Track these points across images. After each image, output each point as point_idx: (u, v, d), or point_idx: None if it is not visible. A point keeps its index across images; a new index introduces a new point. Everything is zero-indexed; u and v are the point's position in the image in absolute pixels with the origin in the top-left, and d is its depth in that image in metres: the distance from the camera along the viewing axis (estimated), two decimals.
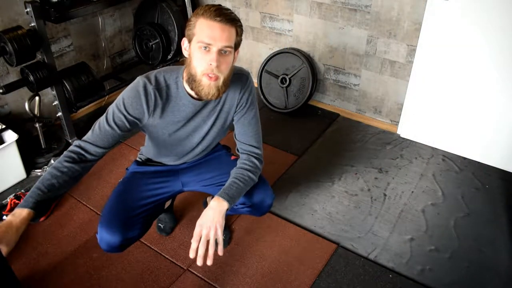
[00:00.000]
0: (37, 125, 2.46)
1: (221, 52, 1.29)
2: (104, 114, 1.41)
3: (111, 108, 1.40)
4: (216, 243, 1.36)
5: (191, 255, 1.32)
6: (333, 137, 2.78)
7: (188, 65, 1.35)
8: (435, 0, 2.26)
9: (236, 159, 1.63)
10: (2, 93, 2.24)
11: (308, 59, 2.87)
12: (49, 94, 2.55)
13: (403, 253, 1.98)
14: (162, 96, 1.41)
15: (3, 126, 2.33)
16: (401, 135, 2.76)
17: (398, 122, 2.76)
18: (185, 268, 1.88)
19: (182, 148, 1.60)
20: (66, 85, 2.42)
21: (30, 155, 2.46)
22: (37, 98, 2.40)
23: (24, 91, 2.43)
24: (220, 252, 1.35)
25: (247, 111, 1.53)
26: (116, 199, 1.55)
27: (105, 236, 1.44)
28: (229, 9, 1.33)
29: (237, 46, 1.37)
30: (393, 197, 2.29)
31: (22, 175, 2.37)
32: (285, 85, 2.94)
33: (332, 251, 1.97)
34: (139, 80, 1.39)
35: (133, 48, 3.02)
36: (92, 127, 1.42)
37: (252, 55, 3.22)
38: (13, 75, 2.44)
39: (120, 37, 3.06)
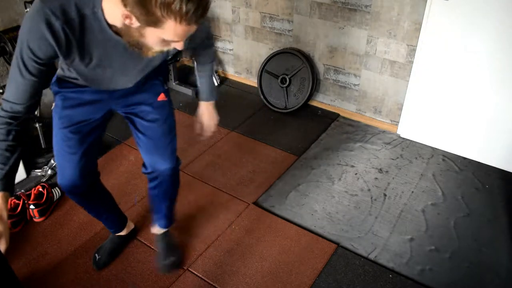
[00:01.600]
0: (37, 125, 2.46)
1: None
2: (15, 63, 1.15)
3: (18, 56, 1.13)
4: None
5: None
6: (333, 137, 2.78)
7: (131, 31, 1.05)
8: (435, 0, 2.26)
9: (163, 101, 1.55)
10: (2, 93, 2.24)
11: (308, 59, 2.87)
12: (49, 94, 2.55)
13: (403, 253, 1.98)
14: (75, 30, 1.11)
15: None
16: (401, 135, 2.76)
17: (398, 122, 2.76)
18: (185, 268, 1.88)
19: (111, 84, 1.39)
20: None
21: (30, 155, 2.46)
22: None
23: None
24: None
25: (201, 43, 1.47)
26: (62, 142, 1.47)
27: (67, 180, 1.51)
28: None
29: None
30: (393, 197, 2.29)
31: (22, 175, 2.36)
32: (285, 85, 2.94)
33: (332, 251, 1.97)
34: (40, 12, 1.05)
35: None
36: (9, 80, 1.19)
37: (252, 55, 3.22)
38: None
39: None
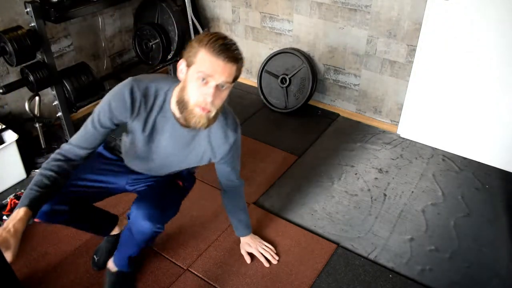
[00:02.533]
0: (37, 125, 2.46)
1: (218, 87, 1.26)
2: (91, 115, 1.39)
3: (97, 109, 1.37)
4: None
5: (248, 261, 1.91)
6: (333, 137, 2.78)
7: (182, 89, 1.31)
8: (435, 0, 2.26)
9: (182, 186, 1.69)
10: (2, 93, 2.24)
11: (308, 59, 2.87)
12: (49, 94, 2.55)
13: (403, 253, 1.98)
14: (148, 104, 1.37)
15: (3, 126, 2.33)
16: (401, 135, 2.76)
17: (398, 122, 2.76)
18: (185, 268, 1.88)
19: (150, 163, 1.56)
20: (66, 85, 2.42)
21: (30, 155, 2.45)
22: (37, 98, 2.40)
23: (24, 91, 2.43)
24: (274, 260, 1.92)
25: (229, 163, 1.59)
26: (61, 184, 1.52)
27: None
28: (234, 43, 1.27)
29: (234, 80, 1.31)
30: (393, 197, 2.29)
31: (22, 175, 2.36)
32: (285, 85, 2.94)
33: (332, 251, 1.97)
34: (128, 83, 1.35)
35: (133, 48, 3.02)
36: (81, 128, 1.42)
37: (252, 55, 3.22)
38: (13, 75, 2.44)
39: (120, 37, 3.06)
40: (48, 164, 1.37)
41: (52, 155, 1.40)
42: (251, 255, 1.92)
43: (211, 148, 1.48)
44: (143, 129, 1.41)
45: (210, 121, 1.32)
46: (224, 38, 1.25)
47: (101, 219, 1.83)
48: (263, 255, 1.90)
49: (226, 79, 1.25)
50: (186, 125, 1.36)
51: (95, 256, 1.88)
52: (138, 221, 1.45)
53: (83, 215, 1.67)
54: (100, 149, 1.68)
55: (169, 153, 1.49)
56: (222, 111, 1.42)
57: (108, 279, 1.74)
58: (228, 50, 1.23)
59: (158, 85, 1.37)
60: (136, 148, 1.50)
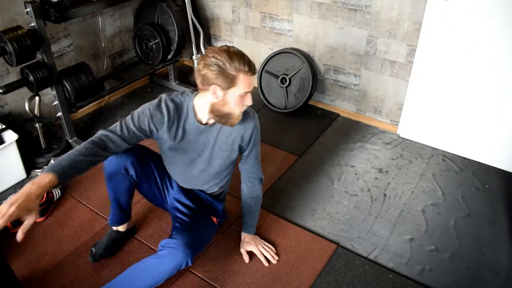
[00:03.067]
0: (37, 125, 2.46)
1: None
2: (129, 115, 1.56)
3: (136, 112, 1.57)
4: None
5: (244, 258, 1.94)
6: (333, 137, 2.78)
7: (219, 105, 1.52)
8: (435, 0, 2.26)
9: (216, 224, 1.87)
10: (2, 93, 2.24)
11: (308, 59, 2.87)
12: (49, 94, 2.55)
13: (403, 253, 1.98)
14: (178, 114, 1.60)
15: (3, 126, 2.33)
16: (401, 135, 2.76)
17: (398, 122, 2.76)
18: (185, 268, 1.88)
19: (186, 168, 1.76)
20: (66, 85, 2.42)
21: (30, 155, 2.46)
22: (37, 98, 2.40)
23: (24, 91, 2.43)
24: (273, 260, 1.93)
25: (252, 147, 1.74)
26: (146, 149, 1.84)
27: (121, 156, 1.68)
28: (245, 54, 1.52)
29: None
30: (393, 197, 2.29)
31: (22, 175, 2.37)
32: (285, 85, 2.94)
33: (332, 251, 1.97)
34: (162, 98, 1.60)
35: (133, 48, 3.02)
36: (118, 123, 1.55)
37: (252, 55, 3.20)
38: (13, 75, 2.44)
39: (120, 37, 3.06)
40: (89, 144, 1.46)
41: (93, 138, 1.49)
42: (250, 254, 1.92)
43: (238, 133, 1.67)
44: (175, 137, 1.63)
45: None
46: (243, 53, 1.50)
47: (129, 206, 1.90)
48: (263, 254, 1.91)
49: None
50: (201, 122, 1.62)
51: (93, 248, 1.91)
52: (177, 247, 1.56)
53: (130, 188, 1.81)
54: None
55: (205, 151, 1.70)
56: None
57: None
58: (252, 65, 1.49)
59: (181, 98, 1.63)
60: (174, 155, 1.72)
